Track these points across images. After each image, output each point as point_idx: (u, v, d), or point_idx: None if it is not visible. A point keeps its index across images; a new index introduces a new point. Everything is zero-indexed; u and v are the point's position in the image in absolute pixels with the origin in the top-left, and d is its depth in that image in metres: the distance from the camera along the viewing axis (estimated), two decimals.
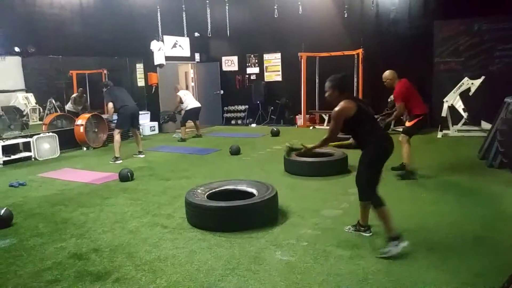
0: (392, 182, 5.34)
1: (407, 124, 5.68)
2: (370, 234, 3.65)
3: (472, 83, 8.36)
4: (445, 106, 8.61)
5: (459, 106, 8.44)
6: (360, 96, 10.33)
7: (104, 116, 9.02)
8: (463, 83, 8.47)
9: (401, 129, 6.16)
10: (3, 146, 7.37)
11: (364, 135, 3.40)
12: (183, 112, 9.93)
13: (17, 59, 8.28)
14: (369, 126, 3.41)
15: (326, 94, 3.53)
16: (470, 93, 8.39)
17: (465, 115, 8.39)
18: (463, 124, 8.68)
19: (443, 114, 8.67)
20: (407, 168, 5.51)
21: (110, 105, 7.45)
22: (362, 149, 3.45)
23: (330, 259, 3.20)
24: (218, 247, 3.51)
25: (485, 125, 8.35)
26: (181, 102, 9.79)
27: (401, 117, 5.79)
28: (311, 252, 3.35)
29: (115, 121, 7.90)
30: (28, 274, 3.18)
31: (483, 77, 8.34)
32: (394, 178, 5.48)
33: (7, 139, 7.63)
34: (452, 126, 8.80)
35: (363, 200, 3.53)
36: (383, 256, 3.19)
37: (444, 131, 8.83)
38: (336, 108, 3.36)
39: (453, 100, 8.52)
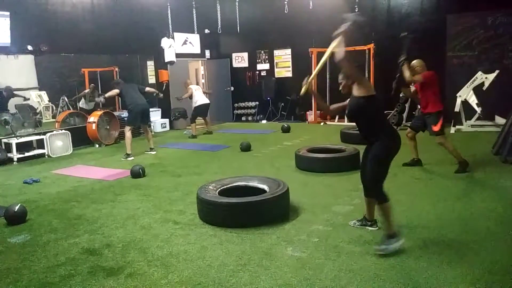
0: (405, 178, 5.30)
1: (435, 128, 5.39)
2: (377, 228, 3.63)
3: (486, 77, 8.22)
4: (458, 101, 8.49)
5: (473, 101, 8.31)
6: None
7: (116, 113, 9.08)
8: (476, 78, 8.33)
9: (409, 124, 6.10)
10: (17, 144, 7.47)
11: (377, 127, 3.27)
12: (192, 105, 9.91)
13: (30, 58, 8.38)
14: (382, 117, 3.35)
15: (340, 87, 3.40)
16: (484, 88, 8.26)
17: (478, 110, 8.26)
18: (477, 119, 8.56)
19: (456, 109, 8.55)
20: (458, 161, 5.42)
21: (116, 91, 7.52)
22: (372, 144, 3.33)
23: (341, 255, 3.19)
24: (229, 243, 3.52)
25: (499, 120, 8.22)
26: (190, 97, 9.78)
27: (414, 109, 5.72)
28: (322, 248, 3.33)
29: (126, 118, 7.95)
30: (42, 269, 3.22)
31: (497, 71, 8.18)
32: (407, 174, 5.44)
33: (21, 136, 7.73)
34: (466, 121, 8.69)
35: (371, 197, 3.47)
36: (379, 253, 3.15)
37: (457, 126, 8.72)
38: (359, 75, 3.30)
39: (467, 94, 8.40)
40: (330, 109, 3.85)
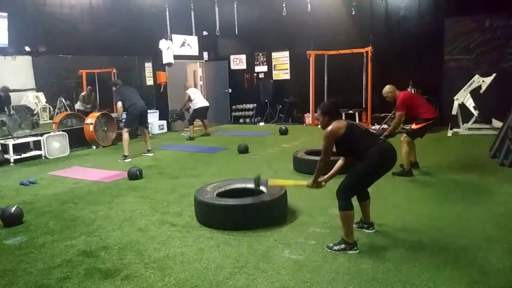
0: (403, 181, 5.31)
1: (414, 126, 5.61)
2: (374, 230, 3.64)
3: (483, 81, 8.24)
4: (456, 104, 8.50)
5: (470, 104, 8.33)
6: (369, 95, 10.29)
7: (113, 114, 9.08)
8: (474, 81, 8.36)
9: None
10: (14, 145, 7.45)
11: (361, 151, 3.30)
12: (191, 110, 9.93)
13: (28, 59, 8.36)
14: (364, 143, 3.32)
15: (319, 122, 3.53)
16: (481, 91, 8.28)
17: (476, 113, 8.28)
18: (474, 122, 8.57)
19: (454, 112, 8.57)
20: (404, 168, 5.51)
21: (119, 104, 7.44)
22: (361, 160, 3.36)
23: (339, 258, 3.18)
24: (226, 245, 3.51)
25: (496, 123, 8.24)
26: (190, 100, 9.78)
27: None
28: (319, 251, 3.33)
29: (124, 120, 7.93)
30: (38, 271, 3.21)
31: (494, 75, 8.21)
32: (405, 177, 5.44)
33: (18, 137, 7.71)
34: (463, 124, 8.70)
35: (365, 201, 3.58)
36: (327, 250, 3.32)
37: (455, 130, 8.74)
38: (327, 128, 3.36)
39: (464, 98, 8.42)
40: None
